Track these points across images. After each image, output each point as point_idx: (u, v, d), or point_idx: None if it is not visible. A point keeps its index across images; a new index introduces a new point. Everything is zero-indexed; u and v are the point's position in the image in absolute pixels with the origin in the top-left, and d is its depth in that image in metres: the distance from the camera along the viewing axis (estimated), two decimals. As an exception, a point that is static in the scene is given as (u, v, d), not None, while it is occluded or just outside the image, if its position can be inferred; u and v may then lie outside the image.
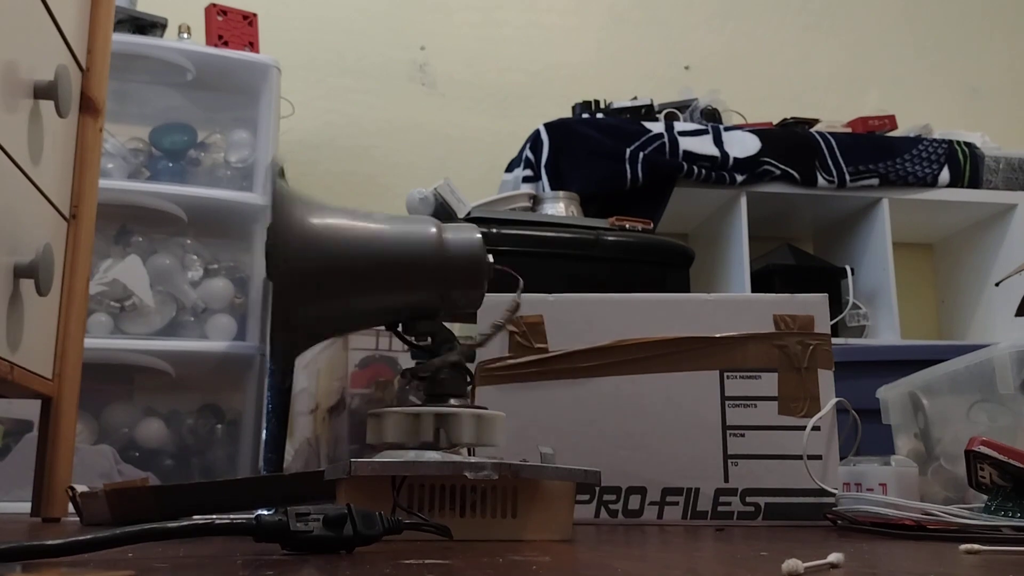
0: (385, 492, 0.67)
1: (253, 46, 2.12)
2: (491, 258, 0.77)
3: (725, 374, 1.04)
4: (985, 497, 0.80)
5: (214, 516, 0.55)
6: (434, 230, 0.76)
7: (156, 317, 1.94)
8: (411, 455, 0.69)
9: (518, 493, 0.70)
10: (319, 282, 0.72)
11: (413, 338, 0.78)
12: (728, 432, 1.02)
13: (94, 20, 1.19)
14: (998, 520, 0.75)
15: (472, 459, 0.69)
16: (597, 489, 1.01)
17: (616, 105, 2.28)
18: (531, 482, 0.70)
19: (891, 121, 2.41)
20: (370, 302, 0.74)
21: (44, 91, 0.99)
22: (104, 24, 1.20)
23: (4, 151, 0.90)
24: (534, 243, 1.68)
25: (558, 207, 1.93)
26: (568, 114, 2.31)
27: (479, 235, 0.77)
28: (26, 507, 1.11)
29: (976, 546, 0.59)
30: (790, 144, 2.23)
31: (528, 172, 2.16)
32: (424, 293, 0.75)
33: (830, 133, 2.28)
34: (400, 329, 0.78)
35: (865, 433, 1.06)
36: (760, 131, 2.24)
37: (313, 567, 0.49)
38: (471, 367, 0.78)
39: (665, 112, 2.28)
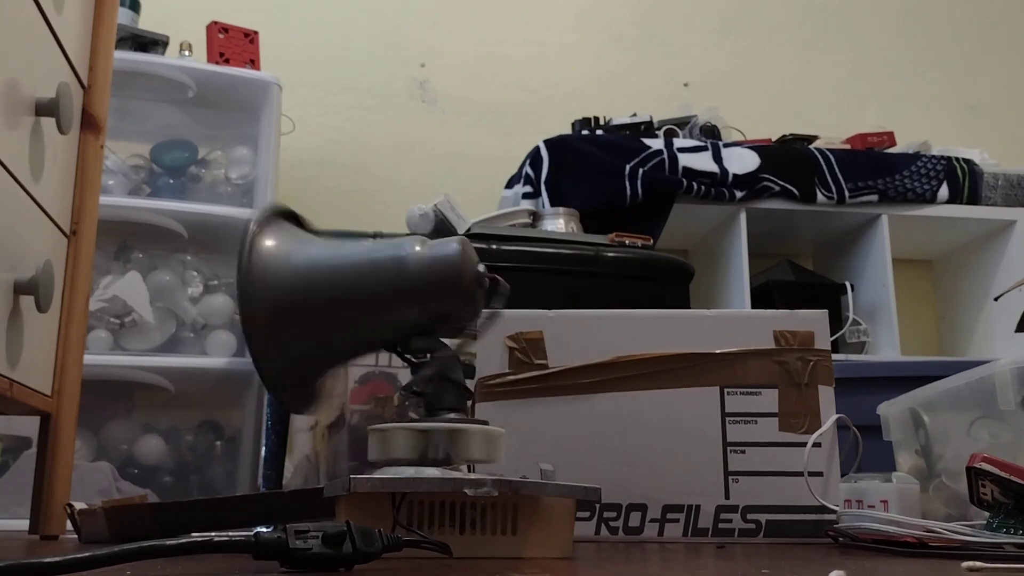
0: (384, 509, 0.67)
1: (254, 63, 2.13)
2: (481, 268, 0.76)
3: (725, 390, 1.04)
4: (987, 514, 0.80)
5: (213, 533, 0.55)
6: (407, 249, 0.74)
7: (156, 333, 1.94)
8: (411, 472, 0.69)
9: (518, 510, 0.69)
10: (289, 323, 0.71)
11: (411, 356, 0.77)
12: (728, 449, 1.02)
13: (96, 37, 1.20)
14: (1000, 537, 0.75)
15: (472, 476, 0.68)
16: (597, 506, 1.01)
17: (615, 122, 2.29)
18: (531, 499, 0.70)
19: (890, 138, 2.41)
20: (353, 332, 0.74)
21: (45, 108, 1.00)
22: (106, 41, 1.21)
23: (5, 168, 0.90)
24: (534, 259, 1.68)
25: (558, 223, 1.93)
26: (568, 131, 2.31)
27: (456, 245, 0.75)
28: (24, 524, 1.11)
29: (978, 563, 0.58)
30: (789, 161, 2.23)
31: (528, 188, 2.17)
32: (405, 312, 0.74)
33: (829, 150, 2.29)
34: (399, 349, 0.77)
35: (866, 450, 1.06)
36: (759, 148, 2.24)
37: (312, 585, 0.48)
38: (470, 383, 0.77)
39: (664, 129, 2.29)
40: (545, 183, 2.12)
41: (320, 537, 0.54)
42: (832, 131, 2.50)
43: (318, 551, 0.53)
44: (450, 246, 0.75)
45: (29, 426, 1.72)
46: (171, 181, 2.07)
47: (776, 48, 2.78)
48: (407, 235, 0.78)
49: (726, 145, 2.23)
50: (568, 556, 0.71)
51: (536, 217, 1.96)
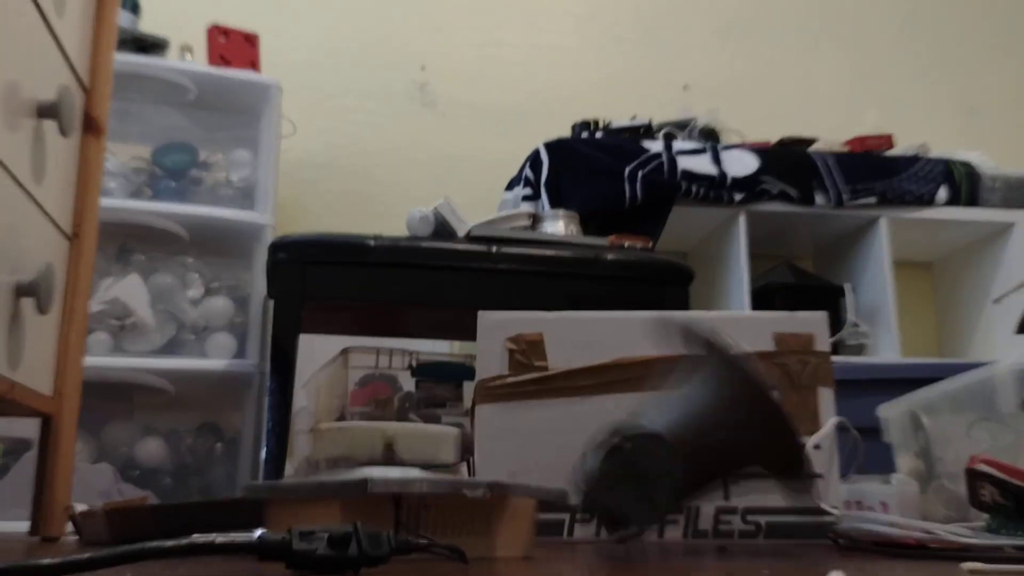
0: (375, 510, 0.65)
1: (255, 66, 2.13)
2: None
3: (725, 392, 1.04)
4: (987, 516, 0.80)
5: (214, 534, 0.54)
6: None
7: (156, 335, 1.94)
8: (367, 471, 0.68)
9: (491, 511, 0.69)
10: None
11: None
12: (728, 451, 1.02)
13: (97, 40, 1.20)
14: (1000, 539, 0.75)
15: (467, 479, 0.68)
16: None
17: (615, 124, 2.29)
18: (502, 500, 0.70)
19: (889, 140, 2.41)
20: None
21: (47, 111, 1.00)
22: (107, 44, 1.21)
23: (7, 170, 0.91)
24: (534, 261, 1.68)
25: (557, 225, 1.93)
26: (568, 133, 2.32)
27: None
28: (25, 526, 1.11)
29: (978, 565, 0.58)
30: (789, 163, 2.23)
31: (528, 191, 2.17)
32: None
33: (828, 152, 2.29)
34: None
35: (866, 451, 1.06)
36: (758, 150, 2.24)
37: (314, 586, 0.48)
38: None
39: (664, 131, 2.29)
40: (545, 185, 2.12)
41: (326, 539, 0.53)
42: (831, 133, 2.50)
43: (323, 553, 0.53)
44: None
45: (30, 428, 1.72)
46: (172, 183, 2.08)
47: (775, 51, 2.79)
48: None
49: (725, 148, 2.23)
50: (530, 556, 0.72)
51: (536, 219, 1.96)
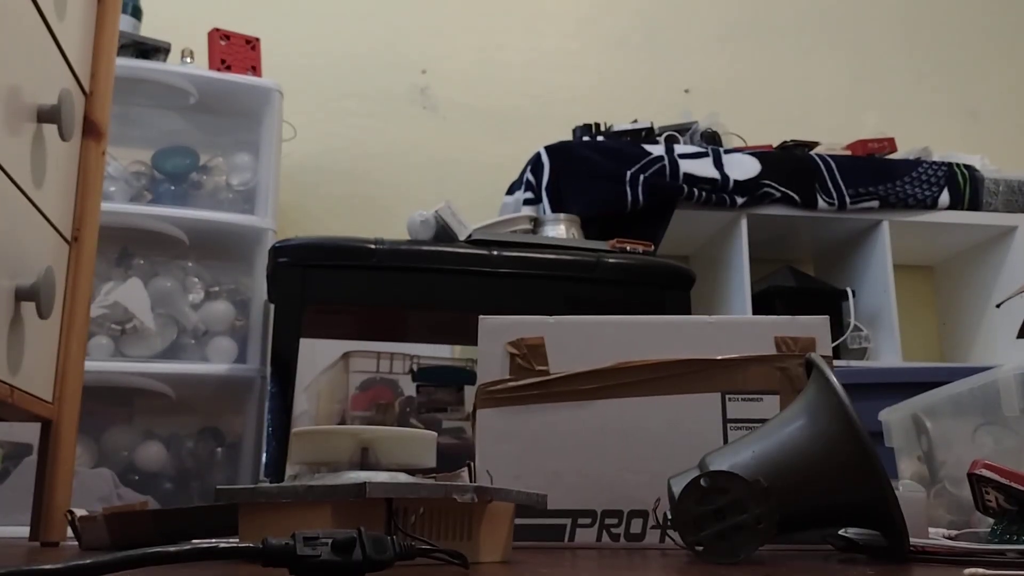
0: (369, 514, 0.65)
1: (256, 70, 2.13)
2: None
3: (727, 396, 1.04)
4: (991, 520, 0.80)
5: (217, 540, 0.54)
6: None
7: (157, 340, 1.94)
8: (351, 476, 0.68)
9: (473, 515, 0.69)
10: None
11: None
12: (730, 455, 1.02)
13: (98, 44, 1.20)
14: (1003, 545, 0.75)
15: (455, 483, 0.68)
16: (599, 512, 1.01)
17: (616, 128, 2.29)
18: (484, 505, 0.70)
19: (890, 144, 2.41)
20: None
21: (47, 115, 1.00)
22: (108, 48, 1.21)
23: (7, 174, 0.91)
24: (535, 265, 1.68)
25: (559, 229, 1.93)
26: (569, 137, 2.31)
27: None
28: (25, 531, 1.11)
29: (980, 570, 0.58)
30: (790, 167, 2.23)
31: (529, 194, 2.17)
32: None
33: (830, 156, 2.29)
34: None
35: (868, 456, 1.05)
36: (760, 154, 2.24)
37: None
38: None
39: (665, 135, 2.29)
40: (546, 189, 2.12)
41: (330, 544, 0.53)
42: (833, 137, 2.50)
43: (327, 558, 0.53)
44: None
45: (30, 432, 1.72)
46: (172, 187, 2.07)
47: (777, 54, 2.79)
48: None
49: (727, 151, 2.23)
50: (508, 560, 0.72)
51: (537, 223, 1.96)
